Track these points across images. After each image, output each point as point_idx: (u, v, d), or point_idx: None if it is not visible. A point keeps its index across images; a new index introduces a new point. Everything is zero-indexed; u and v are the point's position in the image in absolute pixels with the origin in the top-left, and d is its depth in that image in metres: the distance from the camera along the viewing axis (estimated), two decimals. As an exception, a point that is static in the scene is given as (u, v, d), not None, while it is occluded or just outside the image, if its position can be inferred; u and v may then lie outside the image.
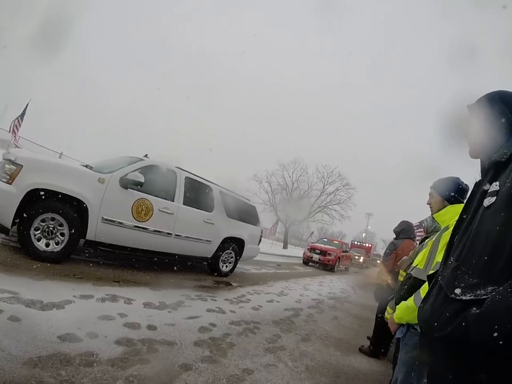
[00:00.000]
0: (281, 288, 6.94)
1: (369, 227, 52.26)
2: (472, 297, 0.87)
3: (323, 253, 15.91)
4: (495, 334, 0.76)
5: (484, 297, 0.83)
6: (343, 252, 17.48)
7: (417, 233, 4.55)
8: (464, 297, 0.89)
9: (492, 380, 0.81)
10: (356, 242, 33.32)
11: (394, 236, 4.42)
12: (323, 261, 15.65)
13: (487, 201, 0.95)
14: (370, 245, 34.32)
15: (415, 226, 4.79)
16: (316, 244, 17.79)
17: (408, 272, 2.16)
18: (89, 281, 3.63)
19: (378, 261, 32.41)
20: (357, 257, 27.19)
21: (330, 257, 15.62)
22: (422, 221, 4.10)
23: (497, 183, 0.95)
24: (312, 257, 16.01)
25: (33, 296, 2.71)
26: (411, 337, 1.85)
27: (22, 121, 13.53)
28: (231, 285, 5.88)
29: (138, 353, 2.34)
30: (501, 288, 0.80)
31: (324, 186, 33.98)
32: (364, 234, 47.72)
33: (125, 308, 3.17)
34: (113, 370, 2.01)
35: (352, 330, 4.98)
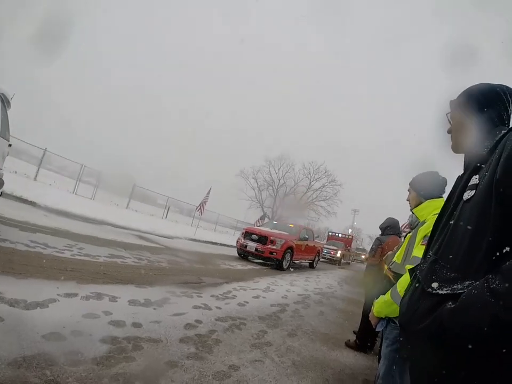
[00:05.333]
0: (267, 284, 6.99)
1: (355, 223, 52.91)
2: (449, 291, 0.88)
3: (262, 239, 10.41)
4: (469, 329, 0.78)
5: (460, 291, 0.84)
6: (301, 239, 11.74)
7: (404, 231, 4.64)
8: (440, 291, 0.90)
9: (468, 374, 0.82)
10: (334, 234, 28.66)
11: (380, 232, 4.51)
12: (262, 252, 10.14)
13: (467, 194, 0.97)
14: (351, 237, 29.68)
15: (402, 225, 4.89)
16: (253, 227, 12.26)
17: (388, 266, 2.22)
18: (73, 279, 3.58)
19: (363, 256, 32.38)
20: (332, 252, 21.86)
21: (274, 247, 10.14)
22: (407, 220, 4.19)
23: (477, 176, 0.96)
24: (246, 246, 10.52)
25: (16, 295, 2.67)
26: (391, 331, 1.90)
27: None
28: (217, 282, 5.88)
29: (123, 351, 2.33)
30: (477, 283, 0.80)
31: (310, 183, 34.28)
32: (350, 230, 48.26)
33: (109, 305, 3.15)
34: (98, 369, 2.00)
35: (338, 325, 5.05)
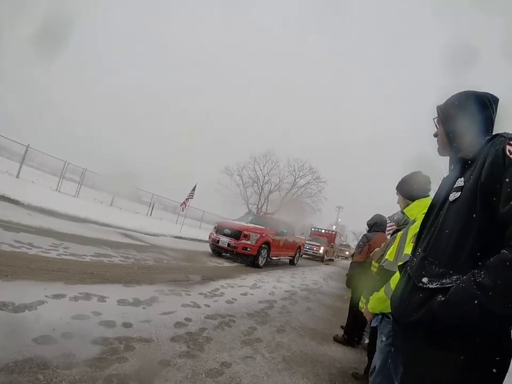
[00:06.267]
0: (254, 280, 7.04)
1: (339, 220, 53.50)
2: (438, 285, 0.95)
3: (235, 234, 9.60)
4: (459, 320, 0.86)
5: (449, 285, 0.92)
6: (279, 234, 10.90)
7: (388, 227, 4.71)
8: (431, 286, 0.97)
9: (459, 365, 0.90)
10: (317, 230, 26.99)
11: (367, 229, 4.57)
12: (235, 247, 9.32)
13: (452, 196, 1.03)
14: (334, 233, 27.74)
15: (387, 219, 4.96)
16: (226, 221, 11.36)
17: (380, 263, 2.29)
18: (61, 279, 3.53)
19: (347, 252, 32.52)
20: (314, 248, 20.74)
21: (248, 242, 9.37)
22: (393, 214, 4.26)
23: (462, 179, 1.03)
24: (218, 241, 9.71)
25: (4, 298, 2.62)
26: (385, 325, 1.97)
27: None
28: (205, 279, 5.89)
29: (115, 352, 2.33)
30: (465, 277, 0.88)
31: (295, 180, 34.44)
32: (334, 227, 48.82)
33: (98, 306, 3.13)
34: (91, 371, 2.00)
35: (326, 320, 5.15)
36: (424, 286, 0.99)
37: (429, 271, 1.00)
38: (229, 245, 9.45)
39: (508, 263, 0.79)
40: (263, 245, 9.78)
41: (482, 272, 0.84)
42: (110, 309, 3.11)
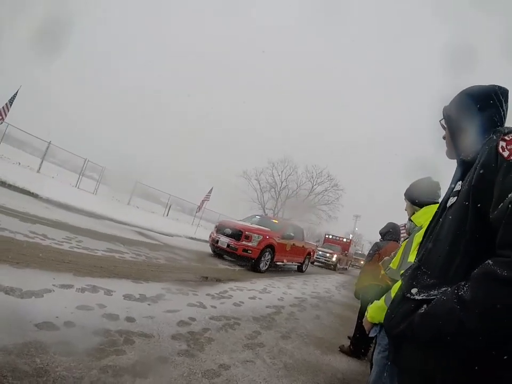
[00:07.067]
0: (264, 285, 6.97)
1: (356, 229, 52.77)
2: (424, 297, 0.89)
3: (236, 234, 8.79)
4: (436, 335, 0.79)
5: (434, 297, 0.85)
6: (285, 238, 9.91)
7: (402, 235, 4.58)
8: (417, 297, 0.91)
9: (442, 378, 0.83)
10: (330, 237, 25.46)
11: (380, 238, 4.47)
12: (235, 248, 8.54)
13: (450, 201, 0.98)
14: (349, 241, 26.06)
15: (401, 227, 4.84)
16: (228, 220, 10.74)
17: (384, 272, 2.22)
18: (70, 271, 3.60)
19: (362, 262, 31.79)
20: (328, 254, 19.83)
21: (249, 244, 8.49)
22: (406, 223, 4.16)
23: (461, 182, 0.97)
24: (217, 242, 8.99)
25: (12, 284, 2.69)
26: (384, 337, 1.89)
27: (10, 106, 13.35)
28: (214, 280, 5.88)
29: (115, 344, 2.34)
30: (449, 289, 0.81)
31: (312, 186, 34.31)
32: (351, 236, 48.13)
33: (104, 298, 3.16)
34: (88, 360, 2.01)
35: (334, 329, 5.03)
36: (411, 297, 0.94)
37: (420, 282, 0.95)
38: (228, 245, 8.66)
39: (489, 277, 0.71)
40: (267, 248, 8.89)
41: (467, 285, 0.76)
42: (115, 303, 3.14)
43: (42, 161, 14.31)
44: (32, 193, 8.59)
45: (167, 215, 21.36)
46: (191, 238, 13.33)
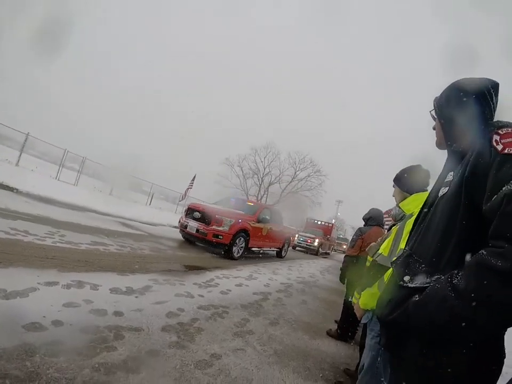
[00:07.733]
0: (250, 272, 7.04)
1: (339, 214, 53.49)
2: (417, 284, 0.92)
3: (206, 218, 8.14)
4: (429, 323, 0.82)
5: (427, 285, 0.88)
6: (260, 221, 9.31)
7: (386, 221, 4.67)
8: (410, 285, 0.94)
9: (434, 365, 0.87)
10: (313, 221, 25.08)
11: (364, 223, 4.54)
12: (205, 234, 7.88)
13: (441, 191, 1.00)
14: (331, 225, 25.47)
15: (385, 214, 4.92)
16: (197, 203, 10.06)
17: (374, 258, 2.26)
18: (54, 267, 3.53)
19: (345, 246, 32.39)
20: (309, 240, 19.45)
21: (220, 229, 7.90)
22: (391, 209, 4.24)
23: (452, 173, 0.99)
24: (186, 227, 8.31)
25: (-4, 285, 2.62)
26: (376, 323, 1.93)
27: None
28: (200, 269, 5.90)
29: (104, 340, 2.33)
30: (443, 277, 0.84)
31: (295, 172, 34.45)
32: (333, 221, 48.79)
33: (91, 294, 3.13)
34: (79, 359, 2.00)
35: (320, 314, 5.15)
36: (404, 284, 0.96)
37: (412, 270, 0.97)
38: (197, 230, 7.98)
39: (484, 266, 0.74)
40: (240, 233, 8.31)
41: (460, 274, 0.80)
42: (102, 297, 3.11)
43: (21, 154, 13.77)
44: (12, 187, 8.31)
45: (150, 204, 21.09)
46: (175, 227, 13.21)
